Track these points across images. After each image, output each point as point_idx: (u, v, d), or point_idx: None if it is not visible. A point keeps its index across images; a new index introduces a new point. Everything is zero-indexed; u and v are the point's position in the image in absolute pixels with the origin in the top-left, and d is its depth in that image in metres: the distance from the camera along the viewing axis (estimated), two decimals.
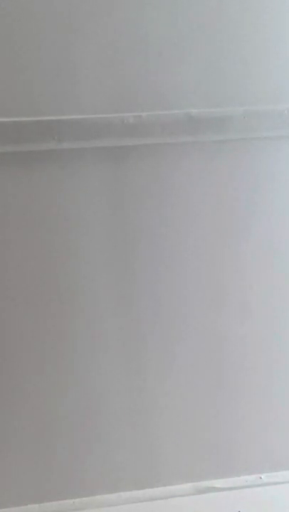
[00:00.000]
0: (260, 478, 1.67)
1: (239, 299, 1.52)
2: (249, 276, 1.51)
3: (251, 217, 1.46)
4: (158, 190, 1.42)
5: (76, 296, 1.46)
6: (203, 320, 1.52)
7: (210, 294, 1.51)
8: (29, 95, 1.31)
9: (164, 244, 1.45)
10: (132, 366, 1.53)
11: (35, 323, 1.47)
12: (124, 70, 1.32)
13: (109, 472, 1.61)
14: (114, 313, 1.49)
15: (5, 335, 1.46)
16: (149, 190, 1.41)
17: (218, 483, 1.65)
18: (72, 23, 1.28)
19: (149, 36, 1.31)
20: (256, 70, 1.35)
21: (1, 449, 1.54)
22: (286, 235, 1.49)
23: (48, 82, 1.31)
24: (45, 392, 1.52)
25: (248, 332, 1.55)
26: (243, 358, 1.57)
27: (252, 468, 1.67)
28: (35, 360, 1.49)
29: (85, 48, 1.30)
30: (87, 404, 1.55)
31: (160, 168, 1.40)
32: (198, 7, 1.30)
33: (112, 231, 1.43)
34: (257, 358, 1.58)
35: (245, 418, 1.62)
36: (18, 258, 1.42)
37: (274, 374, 1.60)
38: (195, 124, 1.36)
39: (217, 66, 1.34)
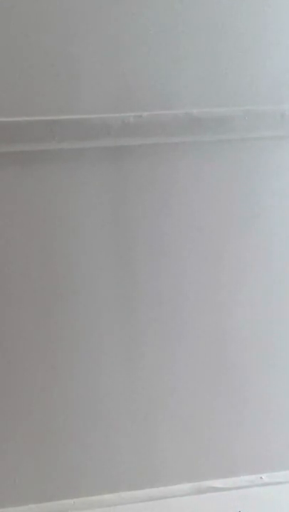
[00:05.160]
0: (261, 478, 1.67)
1: (239, 298, 1.52)
2: (249, 275, 1.51)
3: (251, 217, 1.46)
4: (158, 189, 1.42)
5: (76, 295, 1.46)
6: (203, 319, 1.52)
7: (210, 293, 1.51)
8: (29, 95, 1.31)
9: (164, 244, 1.45)
10: (131, 366, 1.53)
11: (35, 323, 1.47)
12: (125, 70, 1.32)
13: (109, 472, 1.60)
14: (114, 312, 1.49)
15: (5, 334, 1.46)
16: (150, 189, 1.41)
17: (218, 483, 1.65)
18: (72, 23, 1.28)
19: (150, 36, 1.31)
20: (257, 70, 1.35)
21: (1, 449, 1.55)
22: (286, 234, 1.49)
23: (48, 82, 1.31)
24: (45, 392, 1.52)
25: (247, 332, 1.55)
26: (243, 357, 1.57)
27: (252, 468, 1.67)
28: (35, 360, 1.49)
29: (85, 47, 1.30)
30: (87, 404, 1.55)
31: (160, 167, 1.40)
32: (198, 7, 1.30)
33: (112, 231, 1.43)
34: (257, 357, 1.58)
35: (245, 418, 1.62)
36: (18, 258, 1.42)
37: (274, 374, 1.60)
38: (195, 124, 1.36)
39: (218, 66, 1.34)
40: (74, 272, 1.44)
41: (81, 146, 1.34)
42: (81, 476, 1.60)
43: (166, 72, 1.33)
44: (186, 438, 1.61)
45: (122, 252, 1.44)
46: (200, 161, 1.40)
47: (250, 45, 1.33)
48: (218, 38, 1.32)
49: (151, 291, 1.48)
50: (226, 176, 1.42)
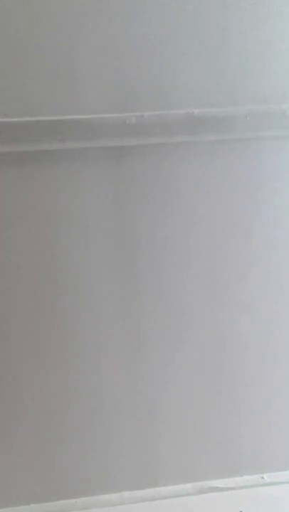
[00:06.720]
0: (262, 478, 1.67)
1: (240, 299, 1.52)
2: (250, 276, 1.51)
3: (252, 217, 1.46)
4: (160, 189, 1.42)
5: (77, 295, 1.46)
6: (204, 320, 1.52)
7: (211, 294, 1.51)
8: (31, 95, 1.31)
9: (165, 244, 1.45)
10: (132, 366, 1.53)
11: (36, 323, 1.47)
12: (126, 70, 1.32)
13: (110, 472, 1.61)
14: (115, 313, 1.49)
15: (5, 334, 1.46)
16: (151, 189, 1.41)
17: (220, 483, 1.65)
18: (73, 23, 1.28)
19: (151, 36, 1.31)
20: (258, 70, 1.35)
21: (2, 448, 1.55)
22: (286, 234, 1.49)
23: (50, 82, 1.31)
24: (46, 392, 1.52)
25: (248, 332, 1.55)
26: (244, 357, 1.57)
27: (254, 468, 1.67)
28: (36, 360, 1.49)
29: (86, 47, 1.30)
30: (89, 404, 1.55)
31: (162, 167, 1.40)
32: (199, 7, 1.30)
33: (114, 231, 1.43)
34: (258, 357, 1.58)
35: (246, 417, 1.62)
36: (19, 258, 1.42)
37: (276, 373, 1.60)
38: (197, 124, 1.36)
39: (219, 66, 1.34)
40: (75, 271, 1.44)
41: (83, 146, 1.34)
42: (83, 475, 1.60)
43: (167, 72, 1.33)
44: (187, 438, 1.61)
45: (123, 252, 1.44)
46: (201, 160, 1.40)
47: (251, 44, 1.33)
48: (219, 37, 1.32)
49: (153, 290, 1.48)
50: (227, 176, 1.42)
